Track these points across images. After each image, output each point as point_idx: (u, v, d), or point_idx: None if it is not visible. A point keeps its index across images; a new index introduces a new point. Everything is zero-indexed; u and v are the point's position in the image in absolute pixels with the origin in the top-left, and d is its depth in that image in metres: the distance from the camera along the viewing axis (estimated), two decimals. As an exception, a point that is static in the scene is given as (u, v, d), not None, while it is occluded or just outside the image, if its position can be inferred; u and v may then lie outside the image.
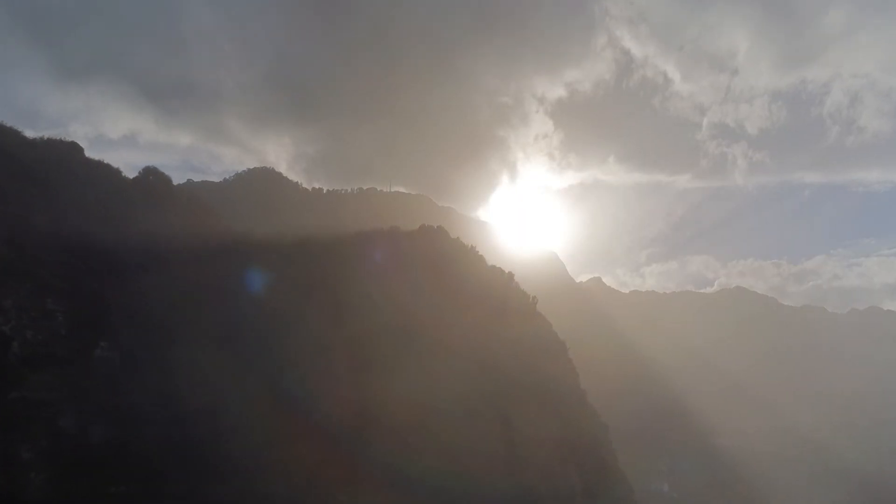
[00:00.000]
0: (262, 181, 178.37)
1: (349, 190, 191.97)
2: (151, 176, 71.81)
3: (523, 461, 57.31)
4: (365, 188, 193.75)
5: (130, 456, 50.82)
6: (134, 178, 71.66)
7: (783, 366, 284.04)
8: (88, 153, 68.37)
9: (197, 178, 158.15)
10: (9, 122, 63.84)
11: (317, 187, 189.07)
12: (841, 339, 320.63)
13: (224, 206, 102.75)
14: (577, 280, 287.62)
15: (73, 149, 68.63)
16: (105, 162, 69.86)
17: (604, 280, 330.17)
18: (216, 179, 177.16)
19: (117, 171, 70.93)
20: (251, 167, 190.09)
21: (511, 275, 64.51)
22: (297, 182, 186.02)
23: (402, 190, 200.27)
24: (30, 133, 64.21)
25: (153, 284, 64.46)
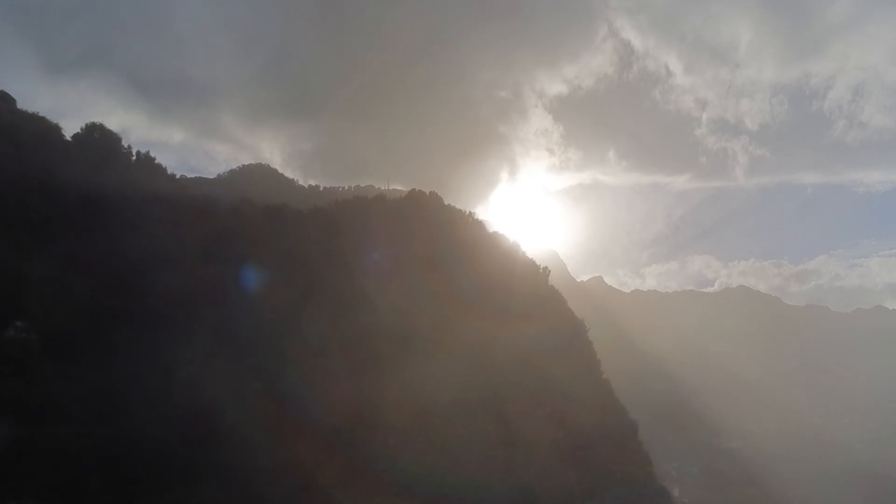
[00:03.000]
0: (258, 178, 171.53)
1: (346, 187, 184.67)
2: (97, 134, 61.11)
3: (525, 459, 47.82)
4: (362, 185, 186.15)
5: (43, 461, 40.31)
6: (75, 136, 60.97)
7: (791, 365, 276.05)
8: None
9: (191, 176, 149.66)
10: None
11: (313, 184, 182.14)
12: (848, 339, 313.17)
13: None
14: (578, 280, 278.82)
15: (1, 99, 57.99)
16: (40, 115, 58.96)
17: (605, 280, 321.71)
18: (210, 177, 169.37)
19: (56, 128, 60.31)
20: (246, 163, 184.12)
21: (517, 243, 54.93)
22: (292, 179, 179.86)
23: (399, 188, 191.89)
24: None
25: (90, 256, 54.18)
